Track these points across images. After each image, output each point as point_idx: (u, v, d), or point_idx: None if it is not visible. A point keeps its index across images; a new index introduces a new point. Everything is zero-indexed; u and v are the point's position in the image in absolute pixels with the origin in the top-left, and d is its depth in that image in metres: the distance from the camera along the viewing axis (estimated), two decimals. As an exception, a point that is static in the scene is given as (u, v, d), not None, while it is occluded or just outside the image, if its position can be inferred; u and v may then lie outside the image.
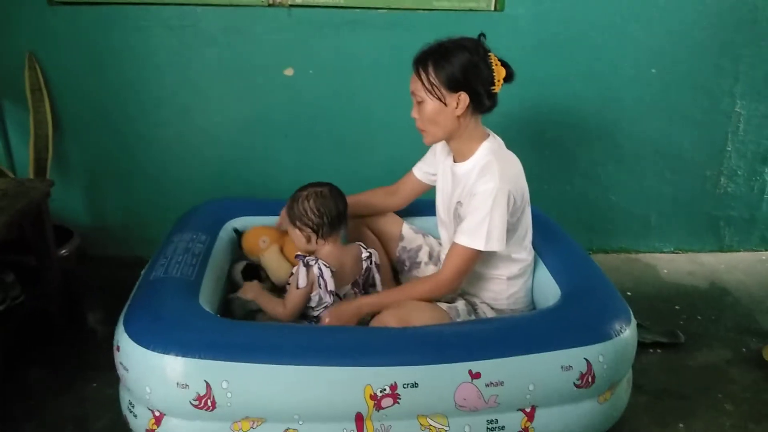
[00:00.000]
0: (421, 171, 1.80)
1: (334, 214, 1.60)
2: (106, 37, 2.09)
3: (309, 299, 1.59)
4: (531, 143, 2.33)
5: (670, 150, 2.41)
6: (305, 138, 2.27)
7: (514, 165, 1.55)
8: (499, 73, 1.49)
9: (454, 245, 1.52)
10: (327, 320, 1.52)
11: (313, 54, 2.16)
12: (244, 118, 2.24)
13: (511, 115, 2.26)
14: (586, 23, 2.20)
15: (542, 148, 2.36)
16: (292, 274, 1.62)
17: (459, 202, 1.59)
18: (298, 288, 1.56)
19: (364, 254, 1.70)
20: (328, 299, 1.58)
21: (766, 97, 2.36)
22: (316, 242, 1.61)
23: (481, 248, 1.47)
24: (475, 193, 1.49)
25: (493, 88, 1.49)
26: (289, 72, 2.17)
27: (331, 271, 1.57)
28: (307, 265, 1.57)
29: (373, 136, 2.26)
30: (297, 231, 1.61)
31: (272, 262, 1.77)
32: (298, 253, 1.63)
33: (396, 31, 2.13)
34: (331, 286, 1.56)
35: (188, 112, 2.21)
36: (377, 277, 1.72)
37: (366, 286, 1.72)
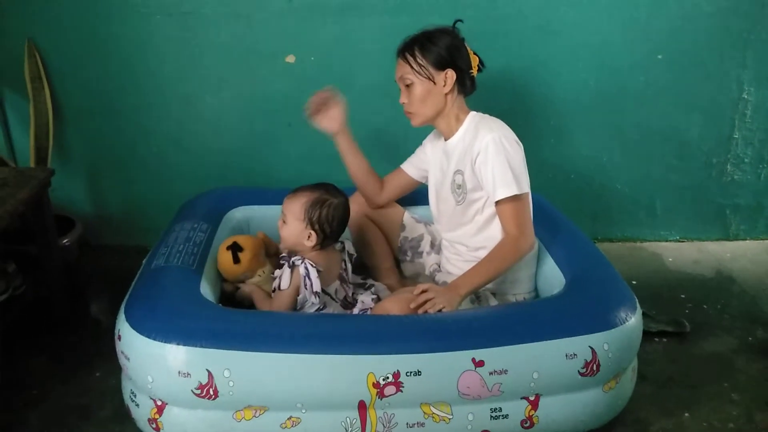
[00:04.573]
0: (412, 166, 1.81)
1: (343, 229, 1.63)
2: (107, 25, 2.07)
3: (295, 302, 1.57)
4: (536, 131, 2.31)
5: (676, 137, 2.38)
6: (308, 126, 2.23)
7: (505, 125, 1.60)
8: (474, 59, 1.60)
9: (497, 205, 1.54)
10: (435, 301, 1.42)
11: (314, 40, 2.13)
12: (246, 107, 2.22)
13: (516, 102, 2.24)
14: (592, 8, 2.17)
15: (547, 136, 2.34)
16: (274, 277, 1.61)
17: (457, 171, 1.61)
18: (280, 289, 1.55)
19: (338, 246, 1.69)
20: (313, 300, 1.56)
21: (774, 84, 2.33)
22: (313, 247, 1.59)
23: (516, 192, 1.49)
24: (477, 152, 1.54)
25: (472, 71, 1.60)
26: (290, 59, 2.15)
27: (318, 271, 1.55)
28: (293, 266, 1.55)
29: (377, 124, 2.25)
30: (307, 231, 1.57)
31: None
32: (283, 254, 1.61)
33: (399, 17, 2.10)
34: (317, 287, 1.54)
35: (189, 101, 2.20)
36: (349, 267, 1.71)
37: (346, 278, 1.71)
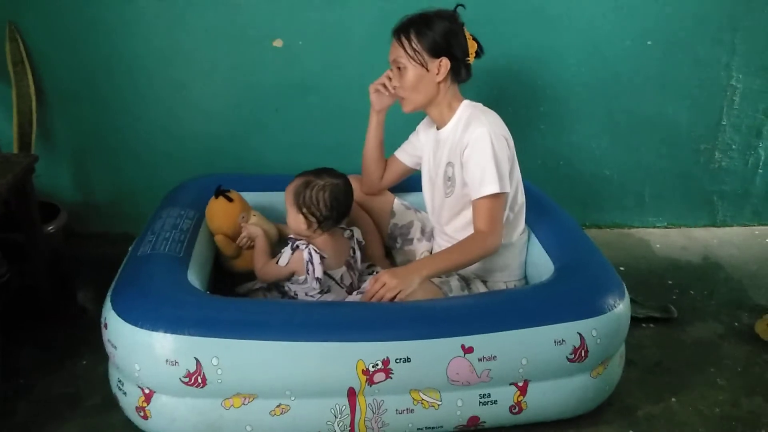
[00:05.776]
0: (405, 153, 1.79)
1: (343, 211, 1.59)
2: (92, 6, 2.03)
3: (290, 278, 1.59)
4: (526, 117, 2.30)
5: (665, 124, 2.38)
6: (296, 112, 2.23)
7: (498, 118, 1.57)
8: (472, 45, 1.55)
9: (475, 201, 1.51)
10: (388, 285, 1.41)
11: (302, 24, 2.10)
12: (234, 92, 2.19)
13: (506, 88, 2.23)
14: (582, -6, 2.16)
15: (537, 122, 2.33)
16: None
17: (449, 163, 1.59)
18: (277, 263, 1.58)
19: (347, 234, 1.69)
20: (314, 285, 1.56)
21: (762, 70, 2.34)
22: (314, 232, 1.58)
23: (498, 190, 1.47)
24: (466, 144, 1.51)
25: (468, 58, 1.55)
26: (278, 43, 2.12)
27: (321, 258, 1.54)
28: (295, 249, 1.55)
29: (366, 110, 2.21)
30: (299, 216, 1.56)
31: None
32: (291, 235, 1.61)
33: (389, 0, 2.07)
34: (318, 273, 1.54)
35: (177, 86, 2.16)
36: (358, 254, 1.71)
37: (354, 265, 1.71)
